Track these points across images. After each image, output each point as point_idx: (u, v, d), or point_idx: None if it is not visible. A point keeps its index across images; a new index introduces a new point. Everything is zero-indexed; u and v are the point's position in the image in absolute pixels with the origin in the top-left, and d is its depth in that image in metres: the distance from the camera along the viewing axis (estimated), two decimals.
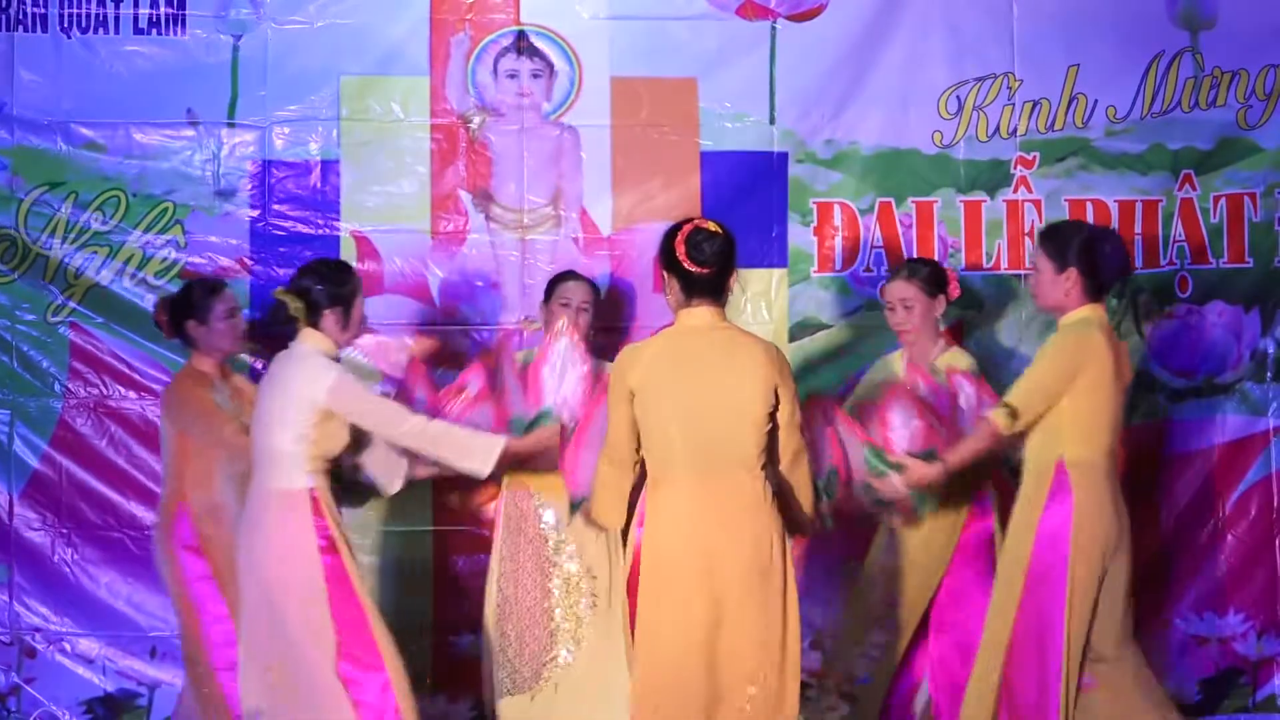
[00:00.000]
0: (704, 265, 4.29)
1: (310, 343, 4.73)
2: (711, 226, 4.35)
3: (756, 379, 4.27)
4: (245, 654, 4.71)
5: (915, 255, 5.89)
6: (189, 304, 5.25)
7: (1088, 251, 4.76)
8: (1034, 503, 4.74)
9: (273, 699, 4.63)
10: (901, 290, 5.28)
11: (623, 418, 4.35)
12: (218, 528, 5.10)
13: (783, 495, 4.40)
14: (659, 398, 4.28)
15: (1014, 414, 4.66)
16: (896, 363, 5.38)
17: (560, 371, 4.97)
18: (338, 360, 4.76)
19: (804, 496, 4.48)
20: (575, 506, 4.72)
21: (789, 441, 4.39)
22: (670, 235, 4.36)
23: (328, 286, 4.74)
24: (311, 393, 4.62)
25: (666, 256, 4.36)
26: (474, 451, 4.76)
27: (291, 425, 4.62)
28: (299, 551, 4.59)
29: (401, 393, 5.14)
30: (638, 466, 4.41)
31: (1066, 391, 4.65)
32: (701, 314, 4.35)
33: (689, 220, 4.41)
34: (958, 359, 5.24)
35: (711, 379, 4.26)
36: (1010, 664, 4.70)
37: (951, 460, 4.78)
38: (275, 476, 4.65)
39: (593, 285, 5.59)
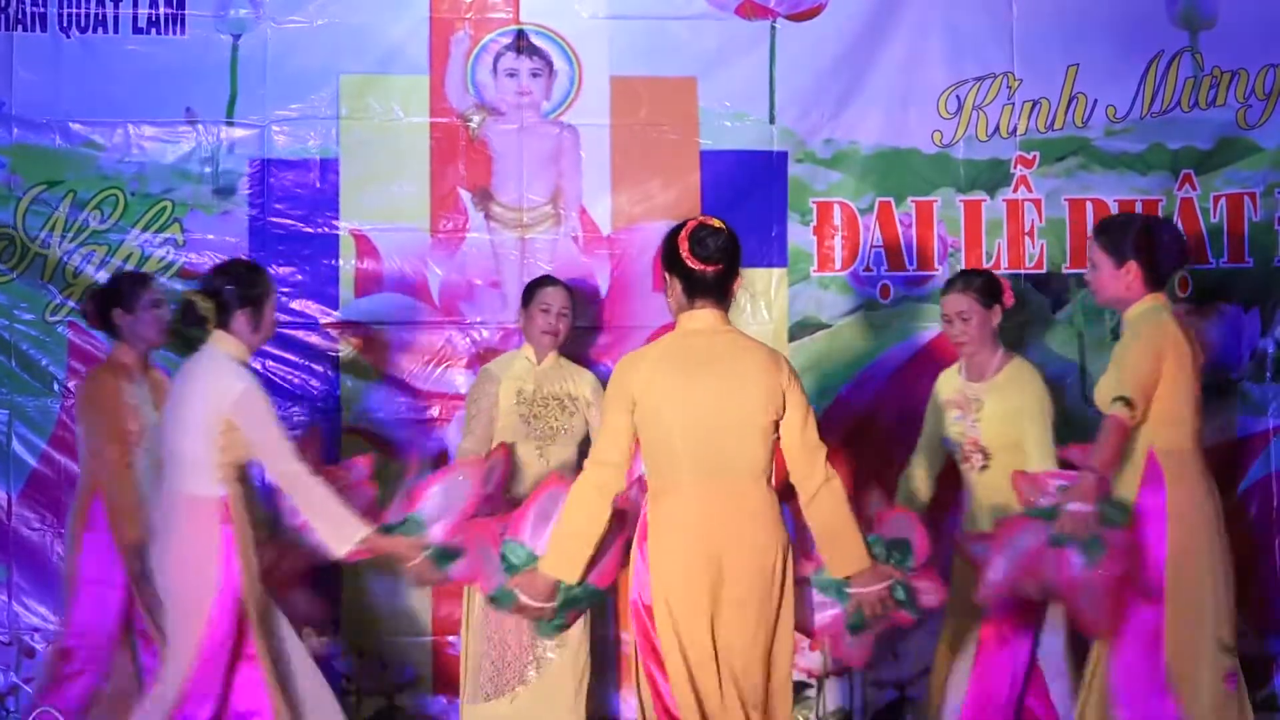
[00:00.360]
0: (708, 262, 4.13)
1: (221, 346, 4.61)
2: (716, 223, 4.19)
3: (761, 386, 4.12)
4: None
5: (915, 255, 5.91)
6: (117, 293, 5.25)
7: (1145, 242, 4.71)
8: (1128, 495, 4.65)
9: None
10: (957, 303, 5.18)
11: (623, 427, 4.17)
12: (131, 520, 5.07)
13: (821, 536, 4.21)
14: (662, 406, 4.12)
15: (1130, 403, 4.56)
16: (954, 378, 5.28)
17: (446, 492, 4.68)
18: (247, 365, 4.65)
19: (847, 526, 4.20)
20: (513, 566, 4.31)
21: (806, 458, 4.15)
22: (673, 234, 4.20)
23: (239, 287, 4.62)
24: (218, 400, 4.50)
25: (669, 255, 4.19)
26: (337, 526, 4.51)
27: (200, 431, 4.51)
28: (200, 563, 4.48)
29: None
30: (614, 502, 4.21)
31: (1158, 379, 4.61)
32: (704, 317, 4.17)
33: (692, 218, 4.27)
34: (1021, 370, 5.16)
35: (715, 386, 4.11)
36: (1114, 665, 4.64)
37: (1098, 462, 4.58)
38: (186, 481, 4.54)
39: (571, 291, 5.59)
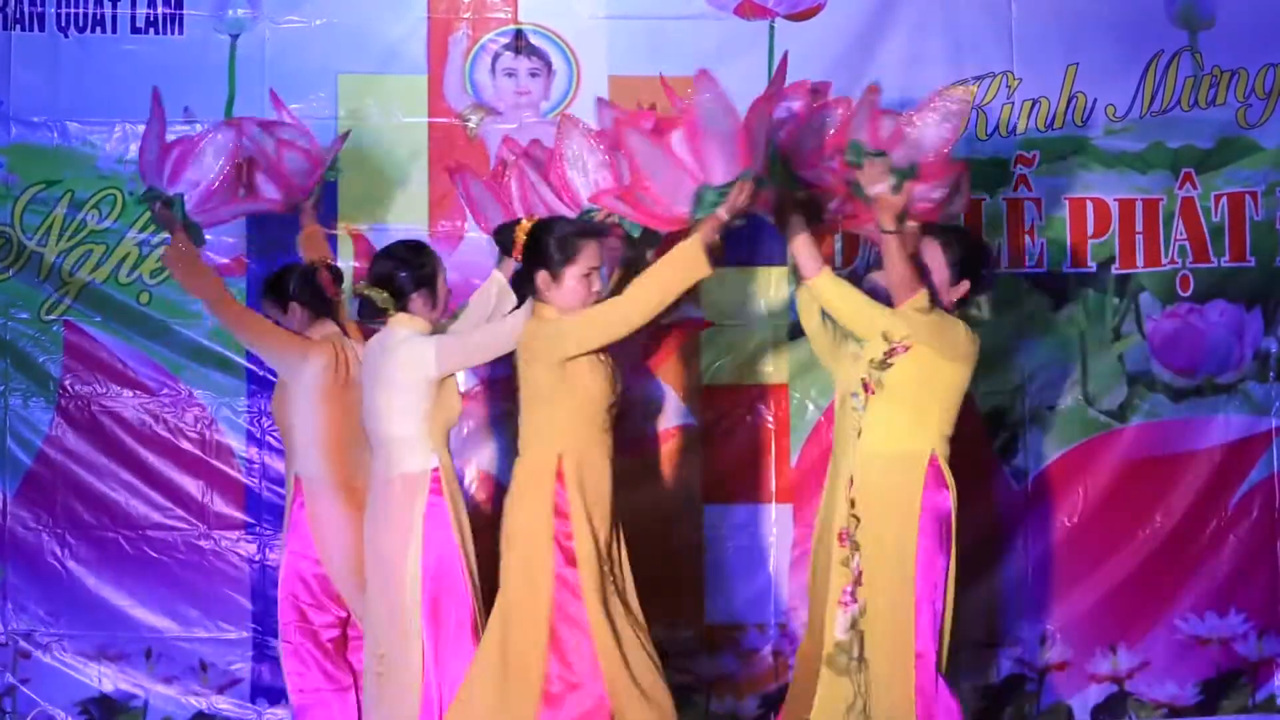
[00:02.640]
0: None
1: (404, 327, 4.70)
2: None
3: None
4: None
5: None
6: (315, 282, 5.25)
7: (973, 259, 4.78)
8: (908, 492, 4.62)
9: (379, 687, 4.64)
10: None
11: None
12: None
13: None
14: None
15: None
16: None
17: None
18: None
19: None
20: None
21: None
22: None
23: (410, 270, 4.73)
24: (422, 372, 4.59)
25: None
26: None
27: (409, 411, 4.60)
28: (418, 537, 4.56)
29: None
30: None
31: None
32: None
33: None
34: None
35: None
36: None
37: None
38: (397, 462, 4.62)
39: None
